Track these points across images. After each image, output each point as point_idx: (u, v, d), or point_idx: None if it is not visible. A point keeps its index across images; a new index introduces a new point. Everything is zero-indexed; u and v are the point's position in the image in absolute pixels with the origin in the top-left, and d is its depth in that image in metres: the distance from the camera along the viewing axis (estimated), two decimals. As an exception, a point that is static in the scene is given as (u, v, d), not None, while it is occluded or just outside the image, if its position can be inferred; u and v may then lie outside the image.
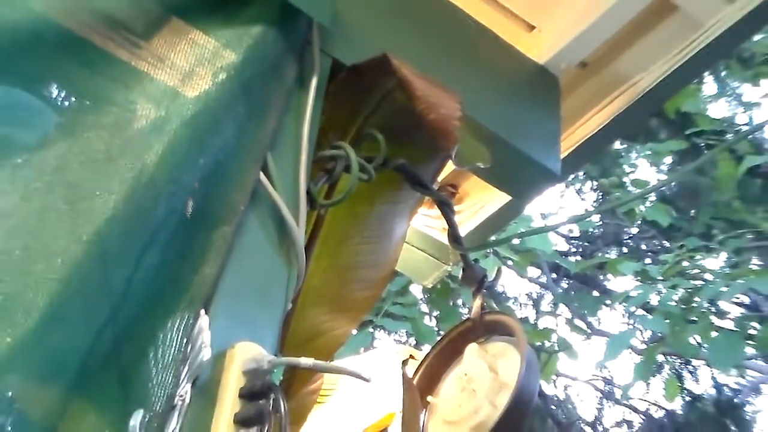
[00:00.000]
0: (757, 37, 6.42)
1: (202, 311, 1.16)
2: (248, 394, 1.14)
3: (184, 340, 1.12)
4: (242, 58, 1.33)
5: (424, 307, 8.03)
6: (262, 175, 1.33)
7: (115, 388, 1.04)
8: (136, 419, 1.03)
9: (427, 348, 1.80)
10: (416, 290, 7.03)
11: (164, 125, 1.18)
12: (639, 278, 7.17)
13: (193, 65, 1.27)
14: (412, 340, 7.07)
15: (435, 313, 7.96)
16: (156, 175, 1.13)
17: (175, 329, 1.11)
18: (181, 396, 1.10)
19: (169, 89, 1.23)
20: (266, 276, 1.31)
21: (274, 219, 1.34)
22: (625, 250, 10.31)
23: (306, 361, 1.19)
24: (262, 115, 1.35)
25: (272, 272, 1.32)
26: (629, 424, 10.84)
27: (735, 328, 6.74)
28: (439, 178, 1.90)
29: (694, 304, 6.26)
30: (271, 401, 1.14)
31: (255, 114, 1.33)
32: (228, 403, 1.13)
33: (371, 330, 5.95)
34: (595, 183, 10.01)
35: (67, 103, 1.15)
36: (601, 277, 9.89)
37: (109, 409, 1.03)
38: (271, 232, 1.33)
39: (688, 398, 10.39)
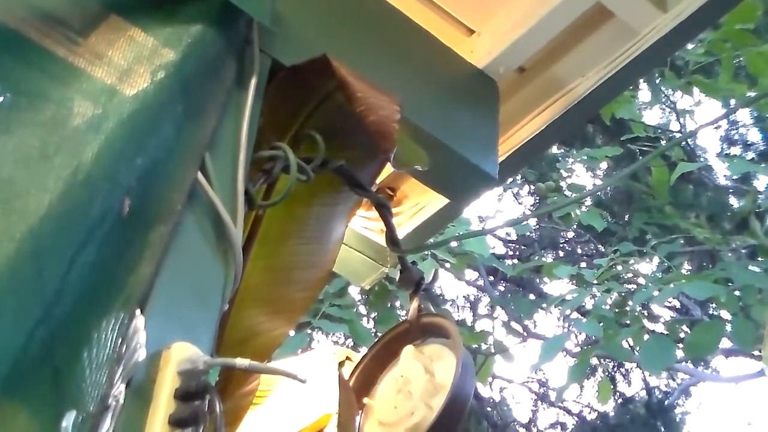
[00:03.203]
0: (690, 46, 6.53)
1: (138, 311, 1.15)
2: (183, 395, 1.14)
3: (119, 340, 1.11)
4: (181, 57, 1.32)
5: (362, 309, 8.05)
6: (200, 175, 1.32)
7: (47, 389, 1.02)
8: (69, 420, 1.02)
9: (364, 350, 1.80)
10: (354, 292, 7.03)
11: (101, 123, 1.17)
12: (574, 282, 7.26)
13: (131, 63, 1.26)
14: (350, 342, 7.07)
15: (372, 315, 7.98)
16: (92, 174, 1.12)
17: (110, 329, 1.10)
18: (115, 396, 1.09)
19: (107, 87, 1.22)
20: (203, 276, 1.30)
21: (211, 219, 1.33)
22: (560, 253, 10.43)
23: (242, 362, 1.19)
24: (201, 114, 1.34)
25: (209, 272, 1.31)
26: (563, 426, 10.97)
27: (666, 332, 6.86)
28: (378, 180, 1.91)
29: (627, 308, 6.36)
30: (207, 402, 1.13)
31: (193, 113, 1.32)
32: (162, 404, 1.12)
33: (308, 331, 5.95)
34: (532, 187, 10.11)
35: (1, 99, 1.13)
36: (537, 280, 9.99)
37: (41, 409, 1.01)
38: (208, 232, 1.33)
39: (620, 400, 10.55)
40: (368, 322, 8.10)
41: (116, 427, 1.08)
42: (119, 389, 1.10)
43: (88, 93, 1.20)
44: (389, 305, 7.12)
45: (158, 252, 1.20)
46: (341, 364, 1.87)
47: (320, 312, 5.79)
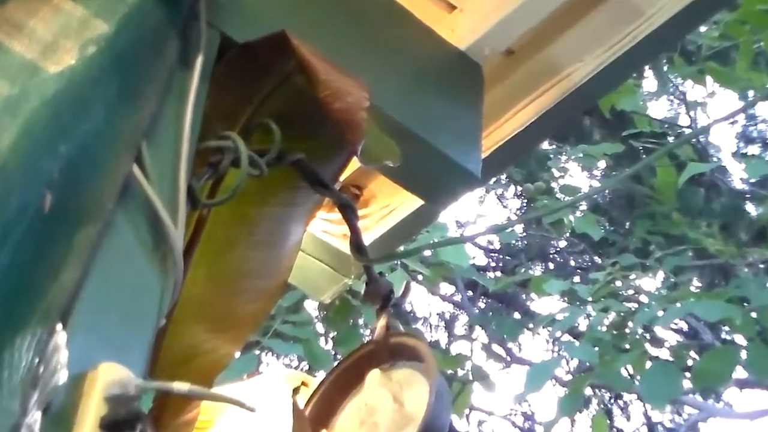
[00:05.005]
0: (703, 29, 6.60)
1: (59, 325, 1.15)
2: (110, 424, 1.13)
3: (36, 360, 1.10)
4: (115, 30, 1.32)
5: (320, 327, 8.05)
6: (135, 167, 1.32)
7: (-51, 415, 1.02)
8: (-26, 452, 1.01)
9: (322, 374, 1.81)
10: (311, 307, 7.03)
11: (20, 104, 1.17)
12: (566, 299, 7.30)
13: (56, 36, 1.26)
14: (305, 365, 7.07)
15: (332, 335, 7.98)
16: (7, 163, 1.12)
17: (25, 346, 1.09)
18: (30, 426, 1.08)
19: (27, 63, 1.21)
20: (137, 285, 1.30)
21: (148, 219, 1.33)
22: (551, 266, 10.49)
23: (180, 386, 1.19)
24: (138, 96, 1.34)
25: (144, 281, 1.31)
26: (551, 465, 11.03)
27: (671, 359, 6.91)
28: (342, 177, 1.91)
29: (627, 330, 6.40)
30: (138, 432, 1.13)
31: (129, 95, 1.32)
32: (87, 435, 1.12)
33: (257, 352, 5.94)
34: (519, 188, 10.17)
35: None
36: (524, 296, 10.04)
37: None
38: (144, 235, 1.33)
39: (617, 437, 10.62)
40: (326, 343, 8.10)
41: (31, 460, 1.07)
42: (34, 417, 1.09)
43: (4, 70, 1.20)
44: (351, 323, 7.13)
45: (84, 256, 1.20)
46: (296, 390, 1.87)
47: (271, 330, 5.79)
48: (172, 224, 1.35)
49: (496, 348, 8.88)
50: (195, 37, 1.50)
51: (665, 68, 8.43)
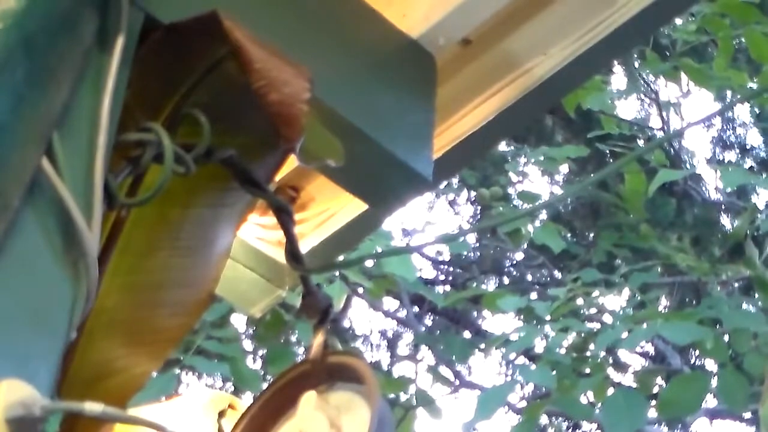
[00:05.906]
0: (678, 21, 6.67)
1: (-44, 337, 1.14)
2: (12, 450, 1.13)
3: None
4: (24, 6, 1.31)
5: (248, 344, 8.03)
6: (45, 161, 1.31)
7: None
8: None
9: (249, 396, 1.81)
10: (238, 321, 7.02)
11: None
12: (522, 317, 7.34)
13: (-44, 11, 1.25)
14: (230, 386, 7.05)
15: (261, 352, 7.97)
16: None
17: None
18: None
19: (-76, 41, 1.21)
20: (44, 293, 1.29)
21: (59, 219, 1.32)
22: (506, 280, 10.55)
23: (93, 407, 1.18)
24: (49, 82, 1.33)
25: (53, 289, 1.30)
26: (501, 501, 11.09)
27: (636, 385, 6.98)
28: (278, 177, 1.91)
29: (588, 353, 6.45)
30: (44, 459, 1.13)
31: (39, 80, 1.31)
32: (-17, 462, 1.11)
33: (177, 371, 5.91)
34: (472, 193, 10.21)
35: None
36: (475, 313, 10.08)
37: None
38: (53, 237, 1.32)
39: (575, 471, 10.70)
40: (255, 362, 8.09)
41: None
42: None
43: None
44: (283, 340, 7.12)
45: (-15, 260, 1.20)
46: (222, 413, 1.87)
47: (193, 347, 5.76)
48: (85, 226, 1.34)
49: (444, 370, 8.89)
50: (115, 15, 1.49)
51: (636, 64, 8.52)
